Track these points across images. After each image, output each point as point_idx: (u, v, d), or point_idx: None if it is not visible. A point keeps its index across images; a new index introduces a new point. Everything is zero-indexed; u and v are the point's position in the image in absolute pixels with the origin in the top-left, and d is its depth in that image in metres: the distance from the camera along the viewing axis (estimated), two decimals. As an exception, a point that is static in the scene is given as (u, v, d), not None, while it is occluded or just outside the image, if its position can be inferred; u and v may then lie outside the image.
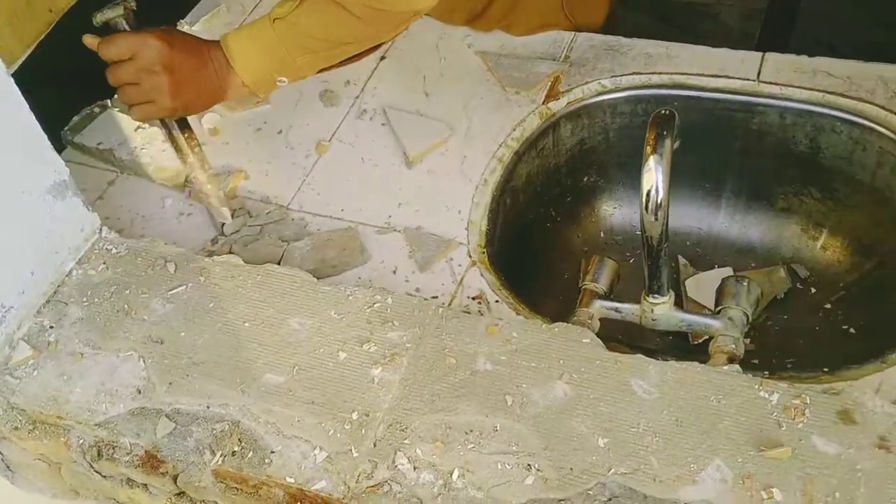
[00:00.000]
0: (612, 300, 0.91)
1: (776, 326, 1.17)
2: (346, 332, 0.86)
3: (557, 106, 1.17)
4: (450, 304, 0.96)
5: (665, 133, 0.78)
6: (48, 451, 0.86)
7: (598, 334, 0.85)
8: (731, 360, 0.84)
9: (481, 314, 0.94)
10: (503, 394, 0.80)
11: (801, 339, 1.14)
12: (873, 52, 1.15)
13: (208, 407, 0.83)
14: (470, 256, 1.01)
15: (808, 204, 1.20)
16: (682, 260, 1.24)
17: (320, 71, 1.04)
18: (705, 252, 1.26)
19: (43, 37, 1.16)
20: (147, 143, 1.17)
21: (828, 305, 1.16)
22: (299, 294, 0.91)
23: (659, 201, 0.78)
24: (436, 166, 1.11)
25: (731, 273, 1.21)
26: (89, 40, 0.98)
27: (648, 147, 0.78)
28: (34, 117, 0.88)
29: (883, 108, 1.07)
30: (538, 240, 1.25)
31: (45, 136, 0.90)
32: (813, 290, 1.18)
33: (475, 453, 0.76)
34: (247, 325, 0.89)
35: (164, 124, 1.07)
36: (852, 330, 1.11)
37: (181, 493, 0.84)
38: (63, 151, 1.19)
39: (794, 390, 0.76)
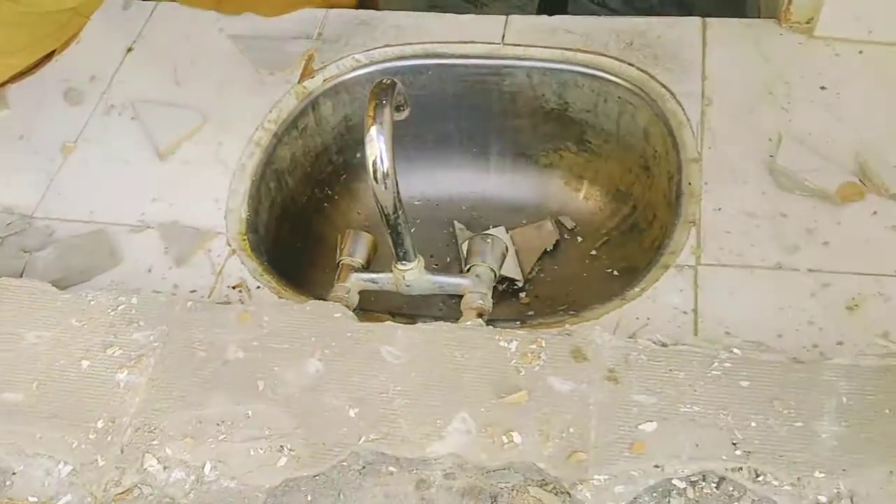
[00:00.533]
0: (367, 272, 0.92)
1: (548, 278, 1.22)
2: (89, 339, 0.83)
3: (314, 84, 1.16)
4: (210, 296, 0.94)
5: (384, 102, 0.79)
6: None
7: (372, 308, 0.85)
8: (480, 315, 0.86)
9: (242, 302, 0.93)
10: (255, 379, 0.79)
11: (571, 286, 1.20)
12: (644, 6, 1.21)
13: (-60, 437, 0.78)
14: (229, 245, 0.99)
15: (567, 158, 1.26)
16: (457, 224, 1.27)
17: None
18: (480, 214, 1.29)
19: None
20: None
21: (593, 252, 1.22)
22: (37, 306, 0.86)
23: (386, 170, 0.79)
24: (190, 156, 1.08)
25: (505, 231, 1.25)
26: None
27: (369, 118, 0.79)
28: None
29: (617, 59, 1.13)
30: (318, 220, 1.24)
31: None
32: (580, 239, 1.24)
33: (227, 443, 0.75)
34: (-20, 345, 0.83)
35: None
36: (615, 272, 1.18)
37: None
38: None
39: (531, 336, 0.79)
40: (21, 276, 0.93)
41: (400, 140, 1.26)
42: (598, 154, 1.23)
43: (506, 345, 0.79)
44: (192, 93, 1.15)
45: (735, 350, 0.77)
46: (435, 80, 1.21)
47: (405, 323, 0.88)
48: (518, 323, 0.90)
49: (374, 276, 0.91)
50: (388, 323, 0.82)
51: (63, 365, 0.81)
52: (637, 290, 0.91)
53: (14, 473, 0.75)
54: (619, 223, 1.22)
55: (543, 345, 0.79)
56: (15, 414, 0.78)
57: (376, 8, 1.28)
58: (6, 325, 0.84)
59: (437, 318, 0.94)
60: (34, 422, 0.78)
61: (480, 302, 0.87)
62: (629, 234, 1.20)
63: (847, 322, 0.85)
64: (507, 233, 1.24)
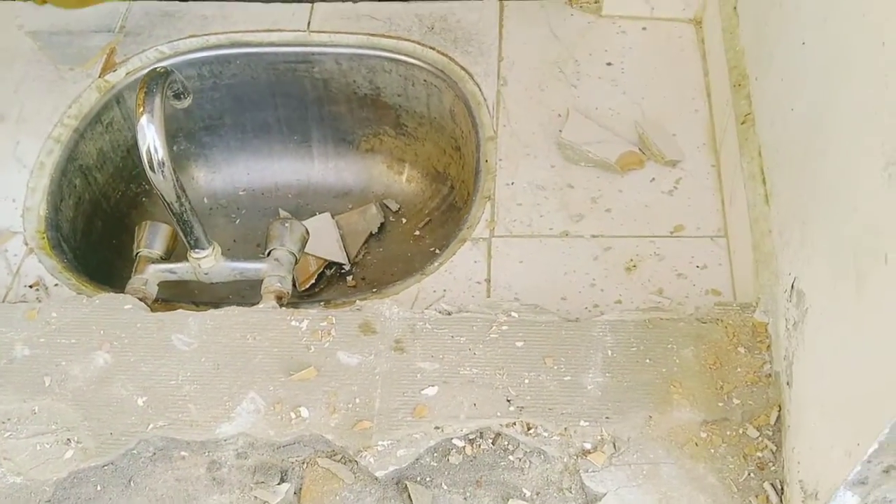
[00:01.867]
0: (164, 262, 0.92)
1: (374, 260, 1.25)
2: None
3: (116, 78, 1.15)
4: (5, 297, 0.92)
5: (154, 90, 0.79)
6: None
7: (174, 298, 0.85)
8: (279, 298, 0.88)
9: (38, 300, 0.91)
10: (42, 375, 0.78)
11: (397, 266, 1.23)
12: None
13: None
14: (27, 244, 0.97)
15: (386, 142, 1.29)
16: (282, 212, 1.28)
17: None
18: (306, 202, 1.30)
19: None
20: None
21: (417, 232, 1.25)
22: None
23: (161, 159, 0.79)
24: (-13, 156, 1.05)
25: (329, 217, 1.27)
26: None
27: (139, 107, 0.79)
28: None
29: (419, 43, 1.16)
30: (135, 215, 1.22)
31: None
32: (404, 221, 1.27)
33: (13, 440, 0.74)
34: None
35: None
36: (437, 251, 1.21)
37: None
38: None
39: (322, 314, 0.82)
40: None
41: (218, 130, 1.28)
42: (415, 137, 1.26)
43: (297, 324, 0.81)
44: (-11, 91, 1.11)
45: (513, 314, 0.81)
46: (245, 69, 1.21)
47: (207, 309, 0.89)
48: (322, 303, 0.92)
49: (171, 266, 0.91)
50: (180, 311, 0.83)
51: None
52: (436, 264, 0.95)
53: None
54: (440, 203, 1.26)
55: (334, 321, 0.81)
56: None
57: None
58: None
59: (241, 306, 0.95)
60: None
61: (279, 285, 0.89)
62: (448, 213, 1.24)
63: (625, 282, 0.91)
64: (333, 218, 1.26)
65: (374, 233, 1.26)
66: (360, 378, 0.77)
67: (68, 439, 0.74)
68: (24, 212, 1.00)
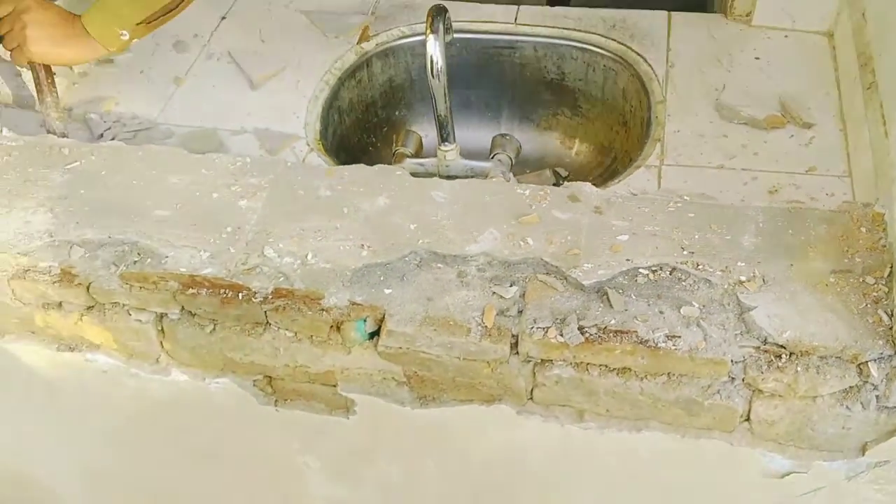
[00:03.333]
0: (416, 158, 1.23)
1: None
2: (216, 181, 1.13)
3: (369, 46, 1.50)
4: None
5: (438, 18, 1.12)
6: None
7: None
8: (500, 186, 1.17)
9: (320, 179, 1.23)
10: (341, 207, 1.09)
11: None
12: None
13: (110, 236, 1.06)
14: (308, 145, 1.30)
15: (562, 121, 1.59)
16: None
17: (152, 24, 1.25)
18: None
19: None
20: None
21: (582, 194, 1.53)
22: (175, 161, 1.16)
23: (440, 67, 1.11)
24: (275, 88, 1.40)
25: (512, 176, 1.57)
26: None
27: (428, 29, 1.12)
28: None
29: (603, 36, 1.48)
30: (362, 161, 1.55)
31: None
32: (571, 185, 1.56)
33: (323, 242, 1.05)
34: (134, 182, 1.13)
35: (32, 68, 1.29)
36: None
37: (90, 308, 1.07)
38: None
39: (539, 189, 1.10)
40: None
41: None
42: (587, 117, 1.56)
43: (521, 192, 1.10)
44: (275, 49, 1.48)
45: (685, 197, 1.08)
46: (461, 52, 1.55)
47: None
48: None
49: (421, 160, 1.23)
50: (436, 178, 1.13)
51: (198, 196, 1.11)
52: (617, 180, 1.23)
53: (167, 257, 1.04)
54: (603, 172, 1.55)
55: (548, 192, 1.09)
56: (164, 223, 1.07)
57: None
58: (153, 171, 1.14)
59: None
60: (179, 227, 1.07)
61: (501, 177, 1.18)
62: (609, 179, 1.52)
63: (769, 200, 1.17)
64: (515, 177, 1.56)
65: (546, 191, 1.55)
66: (570, 226, 1.05)
67: (361, 244, 1.04)
68: (305, 125, 1.34)
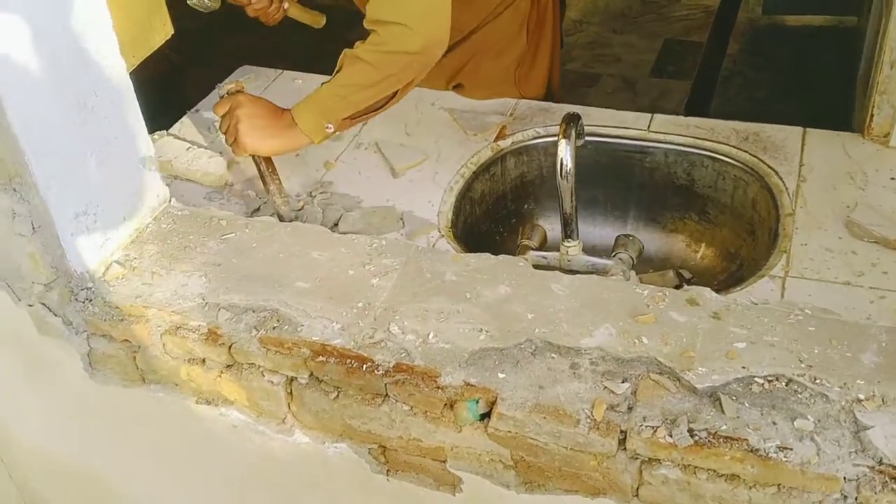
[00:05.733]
0: (539, 251, 1.29)
1: (667, 313, 1.54)
2: (353, 259, 1.22)
3: (504, 144, 1.59)
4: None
5: (571, 125, 1.19)
6: (132, 335, 1.18)
7: None
8: (620, 285, 1.21)
9: (448, 265, 1.30)
10: (464, 292, 1.15)
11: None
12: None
13: (255, 302, 1.17)
14: (440, 231, 1.39)
15: (689, 224, 1.61)
16: (597, 267, 1.63)
17: (356, 120, 1.39)
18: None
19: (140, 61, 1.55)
20: (195, 158, 1.56)
21: (705, 299, 1.54)
22: (318, 239, 1.26)
23: (568, 169, 1.17)
24: (415, 178, 1.51)
25: (634, 275, 1.59)
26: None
27: (560, 133, 1.19)
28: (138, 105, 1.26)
29: (735, 147, 1.51)
30: (488, 249, 1.63)
31: (142, 119, 1.27)
32: (694, 289, 1.57)
33: (444, 323, 1.11)
34: (281, 255, 1.24)
35: (253, 159, 1.43)
36: (722, 314, 1.49)
37: (229, 366, 1.17)
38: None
39: (658, 289, 1.13)
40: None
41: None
42: (714, 223, 1.58)
43: (640, 291, 1.13)
44: (418, 141, 1.59)
45: (807, 310, 1.08)
46: (592, 153, 1.61)
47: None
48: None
49: (544, 253, 1.28)
50: (557, 272, 1.18)
51: (336, 271, 1.20)
52: (739, 288, 1.24)
53: (302, 326, 1.13)
54: (727, 277, 1.55)
55: (667, 294, 1.12)
56: (303, 294, 1.17)
57: (556, 101, 1.73)
58: (298, 246, 1.25)
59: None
60: (316, 299, 1.16)
61: (621, 276, 1.22)
62: (733, 286, 1.52)
63: (893, 320, 1.15)
64: (637, 275, 1.59)
65: (669, 294, 1.56)
66: (687, 328, 1.07)
67: (481, 329, 1.10)
68: (439, 214, 1.43)
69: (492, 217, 1.62)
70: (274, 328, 1.13)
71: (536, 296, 1.14)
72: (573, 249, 1.23)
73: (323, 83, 1.36)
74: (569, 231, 1.22)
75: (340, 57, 1.39)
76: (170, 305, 1.17)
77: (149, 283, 1.21)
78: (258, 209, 1.45)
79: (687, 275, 1.59)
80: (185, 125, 1.66)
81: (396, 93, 1.37)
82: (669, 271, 1.59)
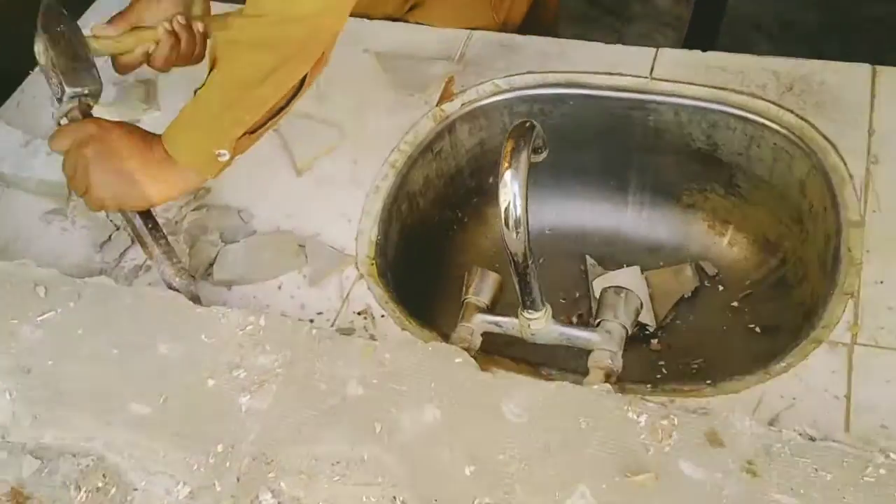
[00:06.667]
0: (492, 314, 0.89)
1: (683, 326, 1.16)
2: (216, 358, 0.84)
3: (452, 108, 1.14)
4: (334, 322, 0.93)
5: (522, 146, 0.76)
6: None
7: (494, 349, 0.83)
8: (608, 376, 0.82)
9: (366, 329, 0.92)
10: (372, 420, 0.78)
11: (708, 338, 1.13)
12: (802, 29, 1.13)
13: (73, 440, 0.80)
14: (358, 269, 0.98)
15: (712, 200, 1.19)
16: (589, 260, 1.23)
17: (257, 133, 0.91)
18: (614, 251, 1.24)
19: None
20: (31, 156, 1.13)
21: (735, 304, 1.15)
22: (173, 317, 0.88)
23: (518, 217, 0.76)
24: (325, 173, 1.08)
25: (639, 272, 1.20)
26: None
27: (505, 161, 0.76)
28: None
29: (774, 103, 1.06)
30: (444, 243, 1.23)
31: None
32: (720, 288, 1.17)
33: (340, 485, 0.74)
34: (115, 351, 0.86)
35: (122, 216, 0.95)
36: (758, 329, 1.11)
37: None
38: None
39: (662, 410, 0.75)
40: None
41: (535, 169, 1.25)
42: (746, 199, 1.16)
43: (635, 417, 0.75)
44: (332, 107, 1.15)
45: (892, 455, 0.70)
46: (576, 110, 1.16)
47: (528, 370, 0.86)
48: (648, 387, 0.86)
49: (498, 319, 0.89)
50: (511, 376, 0.79)
51: (190, 381, 0.82)
52: (783, 364, 0.85)
53: (136, 489, 0.77)
54: (766, 276, 1.15)
55: (676, 423, 0.74)
56: (141, 427, 0.80)
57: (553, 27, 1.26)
58: (141, 334, 0.86)
59: (561, 369, 0.90)
60: (158, 437, 0.79)
61: (609, 362, 0.83)
62: (776, 290, 1.12)
63: None
64: (643, 274, 1.19)
65: (685, 296, 1.17)
66: (705, 497, 0.70)
67: (394, 497, 0.73)
68: (358, 234, 1.02)
69: (445, 202, 1.21)
70: (98, 489, 0.78)
71: (479, 426, 0.76)
72: (537, 323, 0.84)
73: (196, 90, 0.89)
74: (528, 301, 0.82)
75: (209, 49, 0.93)
76: (-47, 452, 0.81)
77: (-70, 409, 0.84)
78: (108, 239, 1.05)
79: (710, 269, 1.19)
80: (21, 104, 1.22)
81: (304, 79, 0.92)
82: (686, 266, 1.19)
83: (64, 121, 0.94)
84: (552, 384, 0.78)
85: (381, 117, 1.13)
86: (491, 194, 1.25)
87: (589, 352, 0.86)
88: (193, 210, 1.05)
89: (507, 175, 0.76)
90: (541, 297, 0.83)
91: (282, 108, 0.91)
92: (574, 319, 1.19)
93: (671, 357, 1.13)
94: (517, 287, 0.82)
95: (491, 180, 1.24)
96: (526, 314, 0.84)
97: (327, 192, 1.06)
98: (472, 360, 0.81)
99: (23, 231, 1.07)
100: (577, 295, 1.21)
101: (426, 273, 1.16)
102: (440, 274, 1.18)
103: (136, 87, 1.20)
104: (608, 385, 0.79)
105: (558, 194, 1.26)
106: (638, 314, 0.87)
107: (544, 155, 0.84)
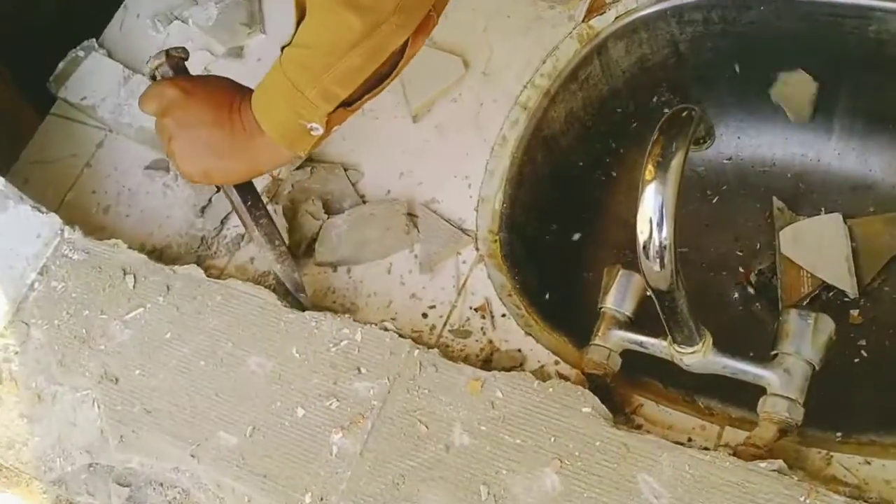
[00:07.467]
0: (635, 332, 0.71)
1: (894, 294, 0.92)
2: (308, 380, 0.73)
3: (602, 23, 0.90)
4: (448, 317, 0.79)
5: (676, 145, 0.55)
6: (19, 495, 0.81)
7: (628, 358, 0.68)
8: (782, 432, 0.63)
9: (483, 332, 0.77)
10: (478, 482, 0.65)
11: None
12: None
13: (160, 470, 0.74)
14: (477, 249, 0.82)
15: (949, 128, 0.90)
16: (776, 202, 0.99)
17: (354, 108, 0.73)
18: (810, 189, 0.99)
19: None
20: (130, 96, 1.03)
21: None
22: (263, 323, 0.77)
23: (662, 242, 0.56)
24: (444, 119, 0.90)
25: (840, 221, 0.95)
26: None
27: (650, 165, 0.55)
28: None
29: None
30: (593, 192, 1.02)
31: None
32: (949, 244, 0.91)
33: (439, 563, 0.63)
34: (202, 363, 0.77)
35: (219, 188, 0.86)
36: None
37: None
38: (54, 105, 1.07)
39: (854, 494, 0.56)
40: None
41: (714, 82, 1.00)
42: None
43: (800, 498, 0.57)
44: (454, 29, 0.94)
45: None
46: (770, 17, 0.89)
47: (681, 402, 0.69)
48: (839, 435, 0.66)
49: (643, 339, 0.70)
50: (653, 440, 0.63)
51: (279, 409, 0.73)
52: None
53: (221, 538, 0.70)
54: None
55: (869, 525, 0.55)
56: (226, 461, 0.72)
57: None
58: (230, 342, 0.77)
59: (725, 402, 0.72)
60: (244, 477, 0.71)
61: (786, 414, 0.63)
62: None
63: None
64: (846, 223, 0.95)
65: (902, 253, 0.92)
66: None
67: (500, 586, 0.61)
68: (480, 202, 0.85)
69: (593, 135, 1.00)
70: (184, 529, 0.72)
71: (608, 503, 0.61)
72: (691, 357, 0.65)
73: (283, 47, 0.72)
74: (680, 337, 0.63)
75: None
76: (47, 471, 0.77)
77: (28, 415, 0.80)
78: (209, 202, 0.94)
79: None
80: (124, 26, 1.10)
81: (405, 46, 0.72)
82: (910, 224, 0.93)
83: (159, 74, 0.81)
84: (704, 455, 0.61)
85: (514, 40, 0.92)
86: (656, 117, 1.01)
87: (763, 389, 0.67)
88: (296, 169, 0.91)
89: (650, 190, 0.56)
90: (696, 330, 0.64)
91: (385, 76, 0.73)
92: (752, 279, 0.97)
93: (876, 334, 0.90)
94: (664, 322, 0.64)
95: (654, 99, 1.01)
96: (678, 348, 0.66)
97: (445, 143, 0.89)
98: (604, 409, 0.65)
99: (128, 184, 0.99)
100: (759, 246, 0.99)
101: (567, 230, 0.97)
102: (585, 232, 0.99)
103: (239, 7, 1.04)
104: (780, 462, 0.60)
105: (741, 115, 1.01)
106: (830, 346, 0.66)
107: (709, 144, 0.62)
